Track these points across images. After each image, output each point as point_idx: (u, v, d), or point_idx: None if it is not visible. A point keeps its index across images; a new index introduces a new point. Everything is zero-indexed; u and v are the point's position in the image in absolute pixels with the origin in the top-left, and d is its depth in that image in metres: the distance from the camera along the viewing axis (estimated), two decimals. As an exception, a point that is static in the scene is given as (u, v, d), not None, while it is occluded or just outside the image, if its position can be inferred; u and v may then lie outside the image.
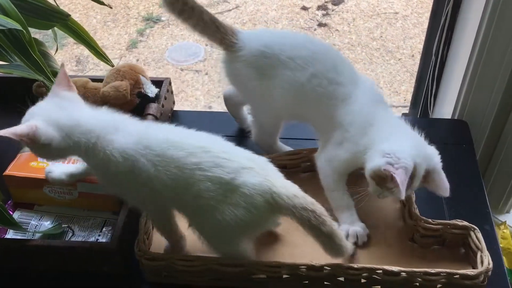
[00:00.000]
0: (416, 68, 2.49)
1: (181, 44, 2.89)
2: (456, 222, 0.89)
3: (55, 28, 1.06)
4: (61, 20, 1.03)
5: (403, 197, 0.81)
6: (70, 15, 1.04)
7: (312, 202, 0.80)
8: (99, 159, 0.78)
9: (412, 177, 0.84)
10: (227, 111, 1.16)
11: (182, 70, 2.69)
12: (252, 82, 0.97)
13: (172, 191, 0.79)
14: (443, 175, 0.87)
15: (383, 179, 0.84)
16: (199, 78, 2.64)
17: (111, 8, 1.01)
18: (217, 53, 2.81)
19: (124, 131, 0.80)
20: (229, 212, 0.78)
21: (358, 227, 0.93)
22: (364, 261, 0.87)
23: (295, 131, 1.12)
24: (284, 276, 0.86)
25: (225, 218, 0.78)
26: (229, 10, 3.07)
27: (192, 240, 0.94)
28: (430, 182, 0.88)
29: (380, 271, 0.82)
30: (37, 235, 0.93)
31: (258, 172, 0.78)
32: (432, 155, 0.88)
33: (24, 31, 0.86)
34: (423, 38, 1.33)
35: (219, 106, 2.34)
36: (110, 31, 2.97)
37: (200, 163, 0.77)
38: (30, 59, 0.90)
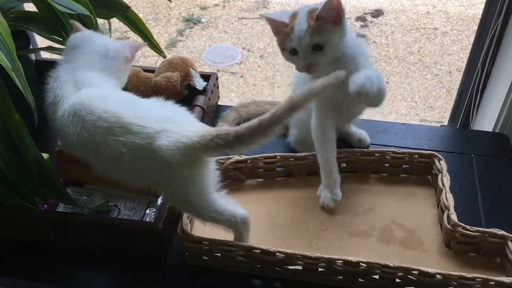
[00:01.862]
0: (452, 84, 2.50)
1: (219, 46, 2.94)
2: (494, 230, 0.89)
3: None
4: (121, 11, 1.09)
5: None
6: (130, 7, 1.10)
7: (215, 129, 0.79)
8: None
9: None
10: None
11: (218, 71, 2.74)
12: None
13: (86, 153, 0.81)
14: None
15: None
16: (234, 80, 2.68)
17: (170, 1, 1.05)
18: (254, 57, 2.86)
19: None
20: (159, 176, 0.79)
21: (327, 193, 1.00)
22: (399, 263, 0.88)
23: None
24: (320, 269, 0.88)
25: (159, 181, 0.81)
26: (268, 16, 3.12)
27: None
28: None
29: (416, 271, 0.83)
30: (86, 211, 0.97)
31: (173, 132, 0.77)
32: None
33: (91, 16, 0.91)
34: (462, 55, 1.35)
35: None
36: (151, 29, 3.01)
37: (111, 128, 0.77)
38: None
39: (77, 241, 0.96)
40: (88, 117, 0.78)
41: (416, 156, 1.05)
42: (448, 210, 0.94)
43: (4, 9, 1.02)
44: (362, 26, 2.98)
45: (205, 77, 1.22)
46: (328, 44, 0.89)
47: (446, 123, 1.46)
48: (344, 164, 1.08)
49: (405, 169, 1.07)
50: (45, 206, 0.99)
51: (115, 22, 1.14)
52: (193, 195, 0.82)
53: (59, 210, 0.99)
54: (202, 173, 0.82)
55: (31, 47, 1.15)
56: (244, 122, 1.10)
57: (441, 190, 0.98)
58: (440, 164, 1.02)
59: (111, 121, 0.77)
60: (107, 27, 1.20)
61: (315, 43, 0.88)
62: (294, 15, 0.90)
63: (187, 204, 0.84)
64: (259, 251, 0.88)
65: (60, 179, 1.02)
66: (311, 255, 0.86)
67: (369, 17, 3.06)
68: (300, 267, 0.89)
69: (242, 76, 2.71)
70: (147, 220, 0.97)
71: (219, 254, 0.91)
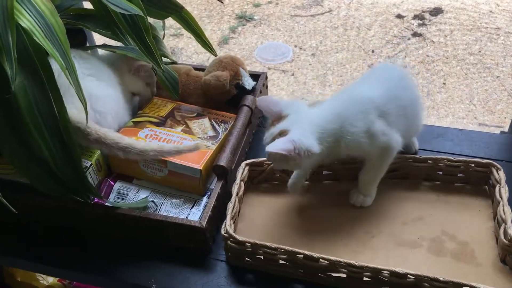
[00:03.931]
0: (515, 87, 2.37)
1: (271, 44, 2.94)
2: (556, 248, 0.84)
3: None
4: (176, 12, 1.09)
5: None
6: (184, 7, 1.11)
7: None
8: None
9: None
10: None
11: (269, 69, 2.73)
12: None
13: None
14: None
15: None
16: (285, 78, 2.67)
17: (222, 3, 1.06)
18: (305, 55, 2.83)
19: None
20: None
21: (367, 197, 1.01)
22: (450, 276, 0.84)
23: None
24: (365, 278, 0.85)
25: None
26: (322, 14, 3.08)
27: (278, 233, 0.97)
28: None
29: (468, 287, 0.79)
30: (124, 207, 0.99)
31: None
32: None
33: (144, 17, 0.93)
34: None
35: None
36: (205, 26, 3.08)
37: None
38: (144, 44, 0.97)
39: (122, 235, 0.98)
40: None
41: (473, 165, 0.99)
42: (505, 224, 0.88)
43: (63, 7, 1.05)
44: (419, 25, 2.88)
45: (255, 76, 1.21)
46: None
47: (505, 128, 1.38)
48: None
49: (460, 178, 1.02)
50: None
51: (169, 19, 1.15)
52: None
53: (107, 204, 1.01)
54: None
55: (87, 44, 1.19)
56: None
57: (499, 202, 0.92)
58: (498, 174, 0.96)
59: None
60: (161, 24, 1.22)
61: None
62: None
63: None
64: (302, 256, 0.86)
65: (111, 174, 1.05)
66: (356, 264, 0.84)
67: (427, 15, 2.95)
68: (344, 275, 0.86)
69: (293, 74, 2.69)
70: (193, 218, 0.98)
71: (261, 257, 0.90)
